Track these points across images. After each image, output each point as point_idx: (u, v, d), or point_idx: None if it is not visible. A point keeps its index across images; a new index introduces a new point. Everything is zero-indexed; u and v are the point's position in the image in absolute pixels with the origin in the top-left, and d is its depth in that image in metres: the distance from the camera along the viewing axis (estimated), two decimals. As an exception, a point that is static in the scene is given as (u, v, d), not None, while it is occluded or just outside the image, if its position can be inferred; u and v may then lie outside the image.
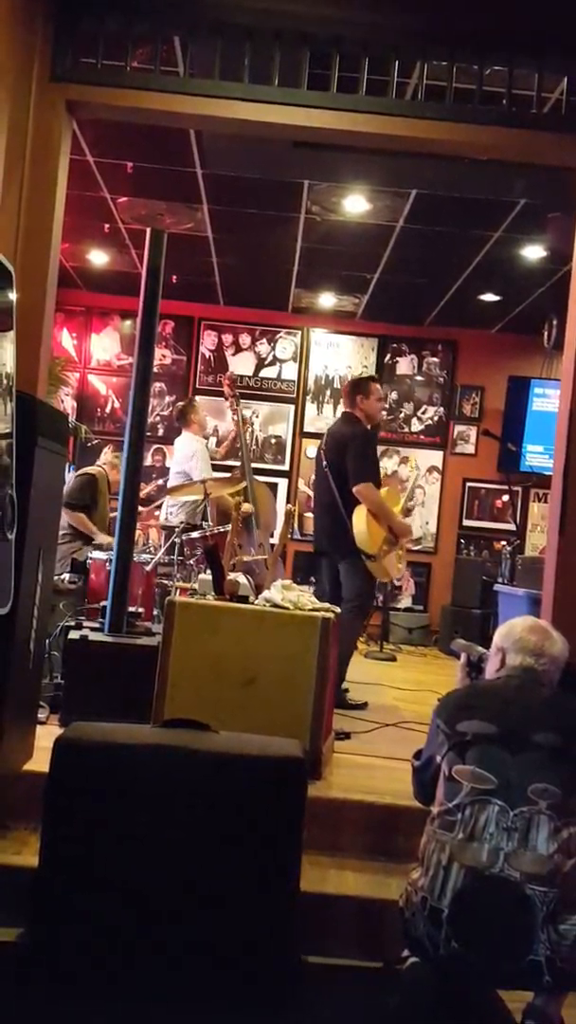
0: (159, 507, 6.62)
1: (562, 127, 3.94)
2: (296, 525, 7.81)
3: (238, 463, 6.85)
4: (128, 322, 8.68)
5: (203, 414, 6.79)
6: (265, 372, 8.86)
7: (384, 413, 8.40)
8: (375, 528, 4.80)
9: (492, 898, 2.12)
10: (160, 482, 6.83)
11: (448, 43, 3.89)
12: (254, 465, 8.37)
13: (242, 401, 6.84)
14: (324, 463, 4.99)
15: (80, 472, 6.18)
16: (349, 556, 4.82)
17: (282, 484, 8.79)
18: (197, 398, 7.26)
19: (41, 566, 3.18)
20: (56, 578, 4.49)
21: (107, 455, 6.48)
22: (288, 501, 8.60)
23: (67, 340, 8.78)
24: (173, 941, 2.39)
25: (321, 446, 5.14)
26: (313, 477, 5.36)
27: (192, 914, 2.43)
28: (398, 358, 8.94)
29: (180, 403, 7.38)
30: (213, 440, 8.24)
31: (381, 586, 8.28)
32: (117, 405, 8.77)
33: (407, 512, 5.38)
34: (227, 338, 8.87)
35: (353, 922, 2.82)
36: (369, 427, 5.09)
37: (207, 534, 5.44)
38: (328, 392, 8.87)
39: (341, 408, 5.47)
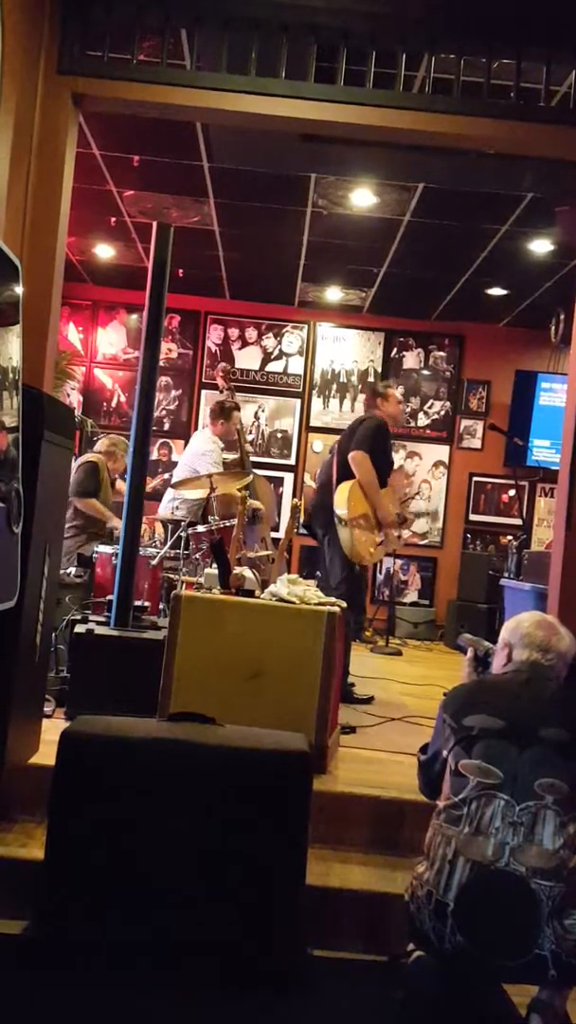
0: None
1: (570, 120, 3.93)
2: (301, 519, 7.77)
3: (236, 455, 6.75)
4: (134, 316, 8.67)
5: (236, 424, 6.42)
6: (271, 366, 8.85)
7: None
8: (357, 497, 4.73)
9: (498, 892, 2.12)
10: (166, 476, 6.76)
11: (456, 36, 3.87)
12: (260, 459, 8.39)
13: (246, 395, 6.70)
14: (333, 451, 5.02)
15: (82, 461, 6.14)
16: (329, 533, 4.79)
17: (288, 478, 8.80)
18: (239, 411, 6.77)
19: (47, 560, 3.19)
20: (62, 572, 4.50)
21: (101, 444, 6.41)
22: (294, 495, 8.59)
23: (73, 334, 8.78)
24: (178, 934, 2.39)
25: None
26: (319, 470, 5.35)
27: (197, 907, 2.44)
28: (404, 352, 8.93)
29: (223, 400, 6.70)
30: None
31: (386, 580, 8.31)
32: (123, 399, 8.77)
33: (403, 520, 5.28)
34: (233, 332, 8.86)
35: (358, 916, 2.82)
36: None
37: (212, 528, 5.42)
38: (334, 386, 8.86)
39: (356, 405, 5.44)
